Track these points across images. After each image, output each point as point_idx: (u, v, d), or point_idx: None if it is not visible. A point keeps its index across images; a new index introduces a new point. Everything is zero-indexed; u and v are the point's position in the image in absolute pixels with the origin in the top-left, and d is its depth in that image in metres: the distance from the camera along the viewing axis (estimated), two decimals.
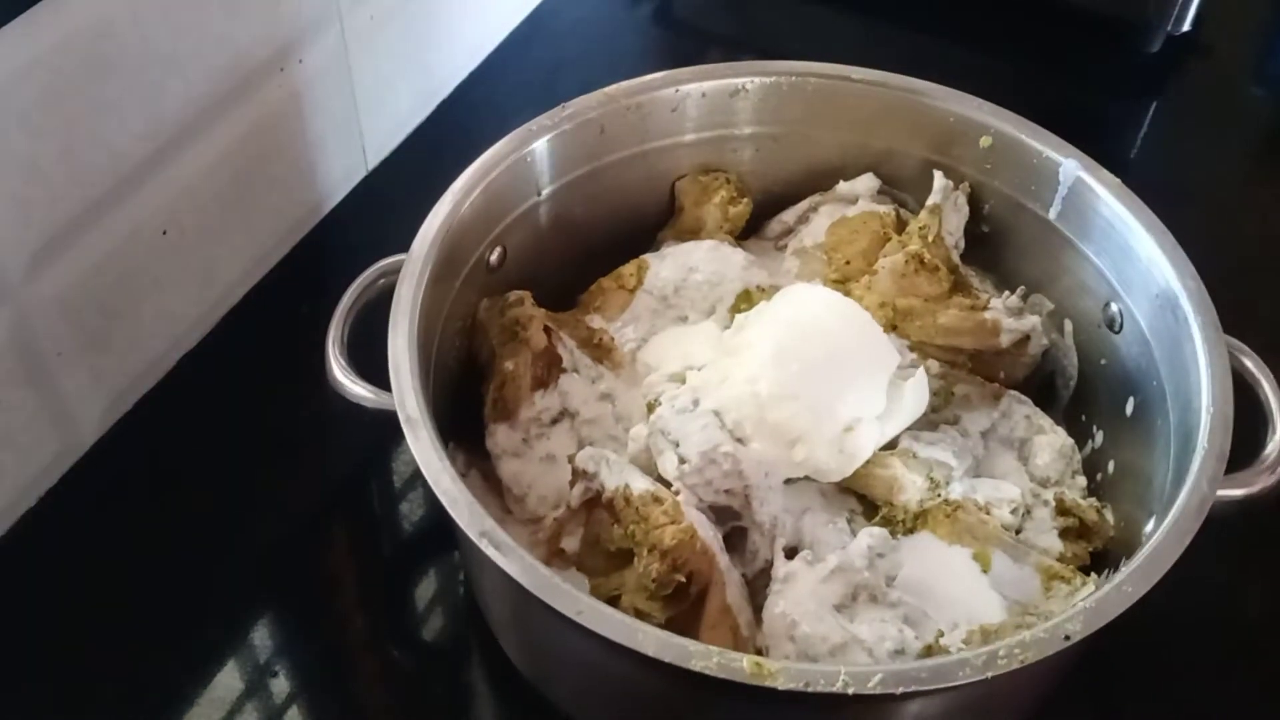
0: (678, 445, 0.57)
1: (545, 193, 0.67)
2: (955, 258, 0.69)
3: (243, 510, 0.68)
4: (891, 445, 0.60)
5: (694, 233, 0.71)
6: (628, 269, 0.69)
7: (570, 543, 0.59)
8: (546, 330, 0.63)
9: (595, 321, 0.67)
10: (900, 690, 0.45)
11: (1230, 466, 0.52)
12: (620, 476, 0.57)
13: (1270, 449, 0.55)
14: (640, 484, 0.56)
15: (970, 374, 0.66)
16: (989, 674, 0.45)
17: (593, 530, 0.58)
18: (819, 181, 0.73)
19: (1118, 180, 0.63)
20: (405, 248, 0.59)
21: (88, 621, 0.63)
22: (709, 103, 0.69)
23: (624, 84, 0.67)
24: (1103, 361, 0.65)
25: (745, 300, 0.68)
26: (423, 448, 0.51)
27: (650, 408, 0.61)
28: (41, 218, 0.61)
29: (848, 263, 0.69)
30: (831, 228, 0.70)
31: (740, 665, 0.45)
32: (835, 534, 0.58)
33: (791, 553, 0.57)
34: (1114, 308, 0.63)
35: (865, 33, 0.98)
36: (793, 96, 0.69)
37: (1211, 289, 0.58)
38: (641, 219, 0.72)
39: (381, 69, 0.83)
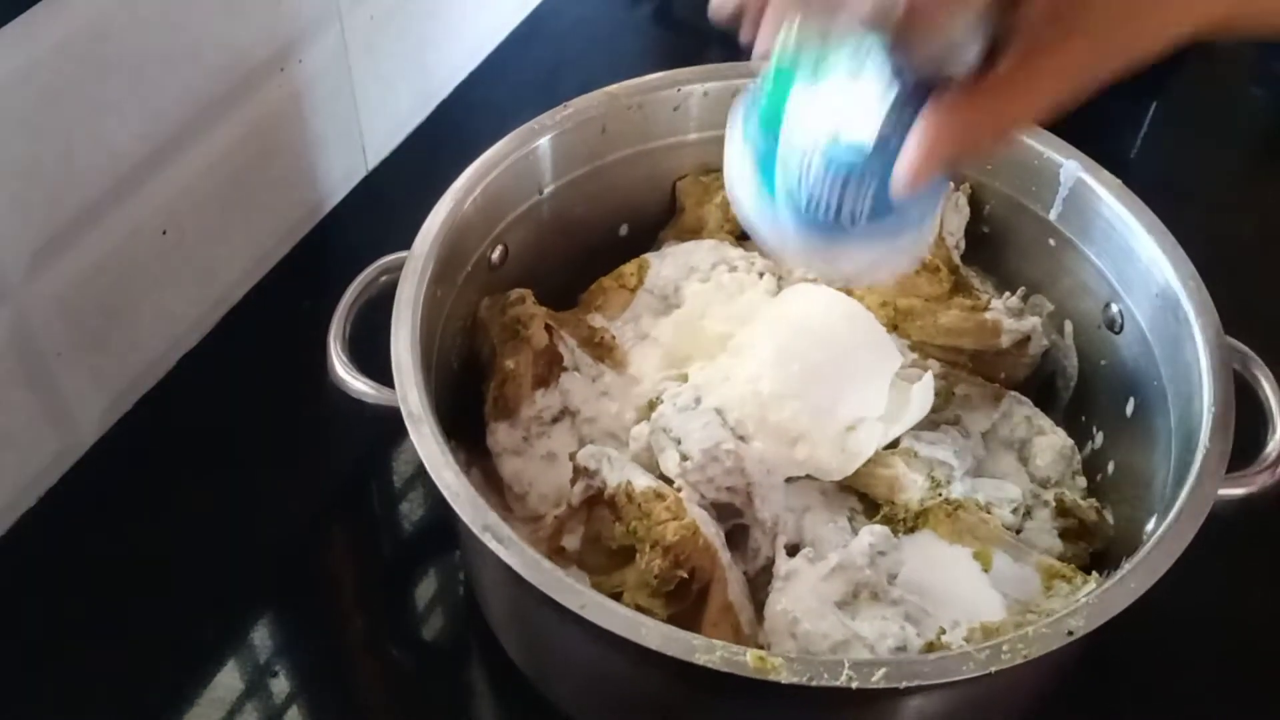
0: (679, 443, 0.57)
1: (547, 192, 0.67)
2: (956, 258, 0.69)
3: (243, 510, 0.68)
4: (893, 444, 0.60)
5: (695, 233, 0.71)
6: (629, 268, 0.69)
7: (571, 541, 0.59)
8: (548, 329, 0.63)
9: (596, 320, 0.67)
10: (904, 685, 0.45)
11: (1230, 466, 0.52)
12: (622, 473, 0.57)
13: (1270, 449, 0.55)
14: (643, 480, 0.56)
15: (971, 374, 0.66)
16: (992, 669, 0.45)
17: (594, 528, 0.58)
18: None
19: (1118, 181, 0.63)
20: (405, 248, 0.59)
21: (88, 621, 0.63)
22: (711, 102, 0.69)
23: (626, 83, 0.67)
24: (1103, 362, 0.65)
25: None
26: (426, 443, 0.51)
27: (651, 406, 0.61)
28: (41, 218, 0.61)
29: None
30: None
31: (744, 659, 0.45)
32: (836, 532, 0.58)
33: (793, 550, 0.57)
34: (1114, 308, 0.63)
35: None
36: None
37: (1211, 289, 0.58)
38: (643, 218, 0.72)
39: (381, 69, 0.83)
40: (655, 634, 0.45)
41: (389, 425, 0.53)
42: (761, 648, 0.54)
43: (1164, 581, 0.48)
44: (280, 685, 0.62)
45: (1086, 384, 0.67)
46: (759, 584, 0.57)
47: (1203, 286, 0.58)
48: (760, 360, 0.59)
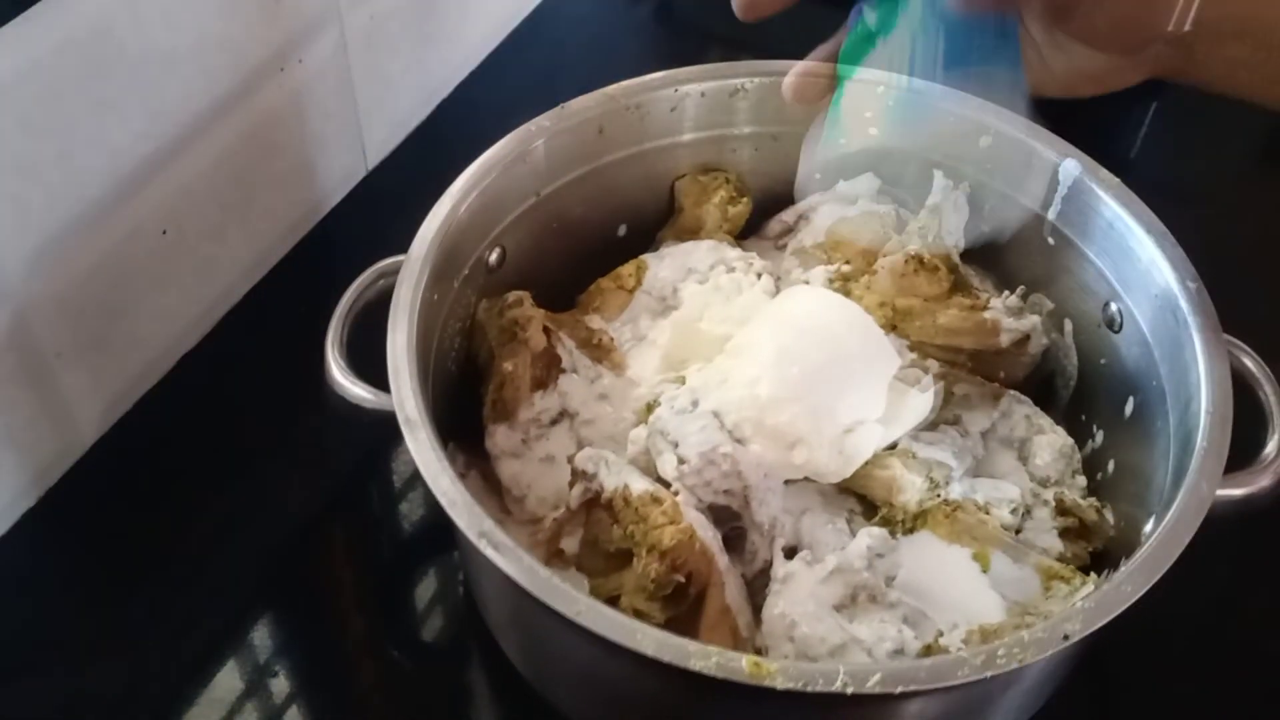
0: (677, 446, 0.57)
1: (544, 193, 0.66)
2: (955, 258, 0.68)
3: (243, 510, 0.68)
4: (891, 445, 0.60)
5: (693, 233, 0.71)
6: (627, 269, 0.69)
7: (569, 543, 0.59)
8: (546, 331, 0.63)
9: (594, 322, 0.67)
10: (899, 690, 0.45)
11: (1230, 466, 0.52)
12: (619, 477, 0.57)
13: (1270, 449, 0.55)
14: (639, 484, 0.56)
15: (970, 374, 0.66)
16: (988, 673, 0.45)
17: (592, 531, 0.58)
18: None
19: (1118, 180, 0.63)
20: (405, 248, 0.58)
21: (88, 621, 0.63)
22: (708, 102, 0.69)
23: (623, 84, 0.67)
24: (1102, 361, 0.65)
25: None
26: (422, 449, 0.51)
27: (649, 408, 0.61)
28: (41, 217, 0.61)
29: (847, 262, 0.69)
30: (831, 228, 0.70)
31: (739, 665, 0.45)
32: (834, 534, 0.58)
33: (790, 553, 0.57)
34: (1114, 308, 0.63)
35: None
36: None
37: (1211, 289, 0.58)
38: (641, 219, 0.72)
39: (381, 69, 0.83)
40: (651, 640, 0.45)
41: (388, 426, 0.53)
42: (759, 651, 0.54)
43: (1163, 582, 0.48)
44: (280, 685, 0.62)
45: (1086, 383, 0.66)
46: (757, 587, 0.57)
47: (1202, 286, 0.58)
48: (758, 363, 0.59)
